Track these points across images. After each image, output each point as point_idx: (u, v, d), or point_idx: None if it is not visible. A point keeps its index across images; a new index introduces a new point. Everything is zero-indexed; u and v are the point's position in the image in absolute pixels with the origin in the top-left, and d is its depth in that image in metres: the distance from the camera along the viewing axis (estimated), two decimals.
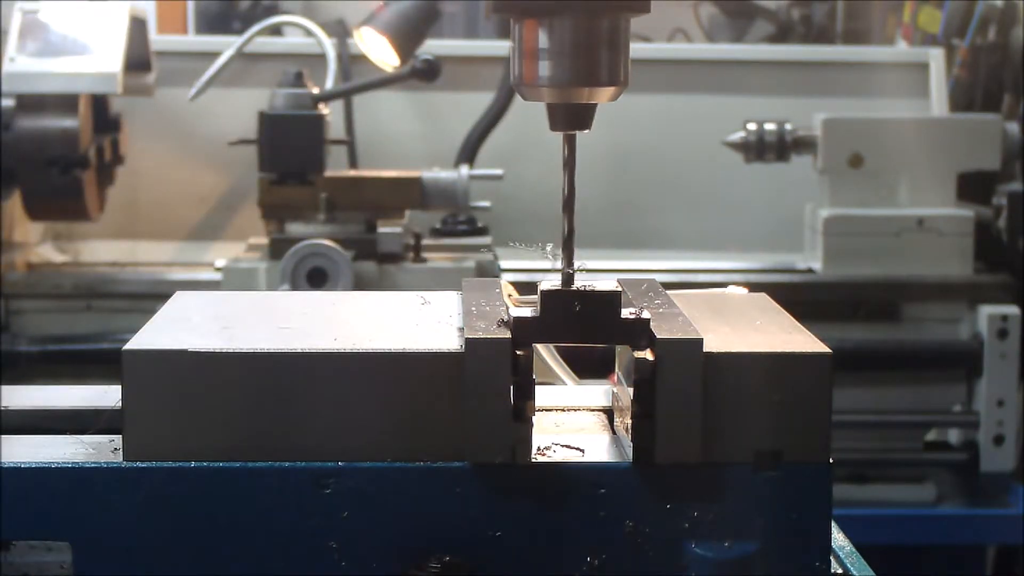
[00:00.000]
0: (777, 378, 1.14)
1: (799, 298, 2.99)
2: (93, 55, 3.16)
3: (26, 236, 3.45)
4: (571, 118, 1.21)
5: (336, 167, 3.28)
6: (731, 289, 1.44)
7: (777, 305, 1.32)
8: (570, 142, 1.22)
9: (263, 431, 1.14)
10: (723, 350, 1.14)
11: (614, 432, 1.26)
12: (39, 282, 3.31)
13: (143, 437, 1.14)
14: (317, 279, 2.91)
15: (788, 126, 3.36)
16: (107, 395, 1.28)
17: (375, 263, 3.01)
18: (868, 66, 3.83)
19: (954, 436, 3.37)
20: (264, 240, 3.11)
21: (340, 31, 3.70)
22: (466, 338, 1.13)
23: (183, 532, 1.14)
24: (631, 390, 1.15)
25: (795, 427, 1.14)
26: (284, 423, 1.14)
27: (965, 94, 3.93)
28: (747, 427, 1.13)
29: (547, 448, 1.19)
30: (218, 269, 3.08)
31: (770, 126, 3.35)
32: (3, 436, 1.24)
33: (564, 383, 1.63)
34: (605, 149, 3.50)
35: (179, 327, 1.24)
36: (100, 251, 3.58)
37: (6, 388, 1.39)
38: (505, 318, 1.17)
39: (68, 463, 1.15)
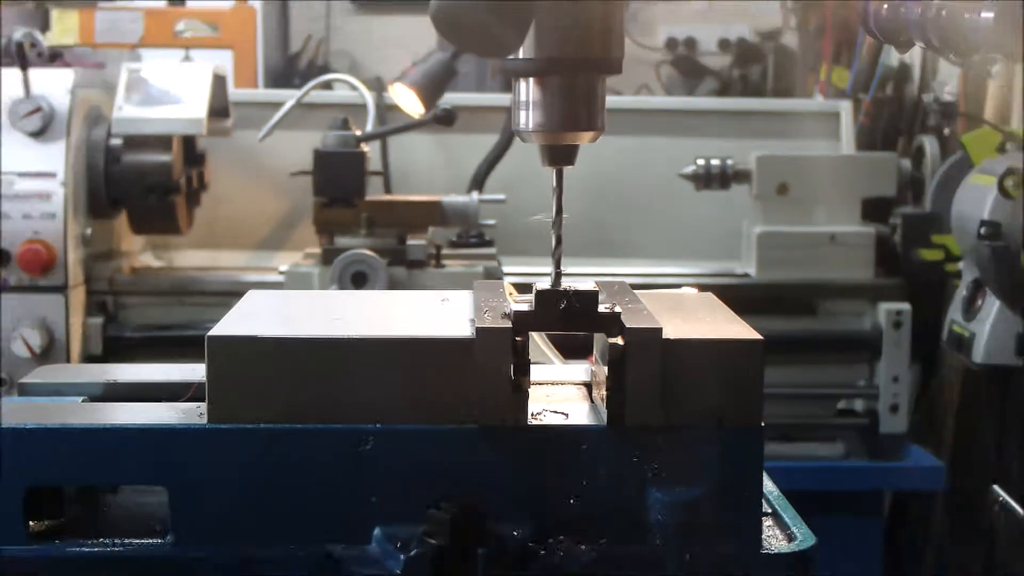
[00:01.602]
0: (721, 359, 1.14)
1: (738, 296, 2.97)
2: (184, 104, 3.17)
3: (131, 246, 3.46)
4: (559, 156, 1.21)
5: (374, 193, 3.29)
6: (684, 290, 1.45)
7: (721, 302, 1.32)
8: (558, 174, 1.22)
9: (316, 400, 1.14)
10: (678, 337, 1.14)
11: (592, 401, 1.27)
12: (141, 283, 3.32)
13: (223, 404, 1.14)
14: (359, 281, 2.92)
15: (729, 161, 3.36)
16: (195, 372, 1.29)
17: (405, 268, 3.02)
18: (792, 114, 3.84)
19: (859, 405, 3.38)
20: (318, 250, 3.12)
21: (378, 86, 3.70)
22: (476, 327, 1.14)
23: (253, 478, 1.14)
24: (606, 368, 1.16)
25: (735, 398, 1.14)
26: (333, 394, 1.14)
27: (868, 136, 3.94)
28: (697, 397, 1.14)
29: (539, 413, 1.20)
30: (282, 273, 3.08)
31: (715, 161, 3.36)
32: (115, 403, 1.24)
33: (553, 363, 1.63)
34: (586, 179, 3.51)
35: (251, 318, 1.25)
36: (189, 258, 3.59)
37: (116, 366, 1.40)
38: (507, 312, 1.17)
39: (165, 425, 1.15)
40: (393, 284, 2.94)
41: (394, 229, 3.13)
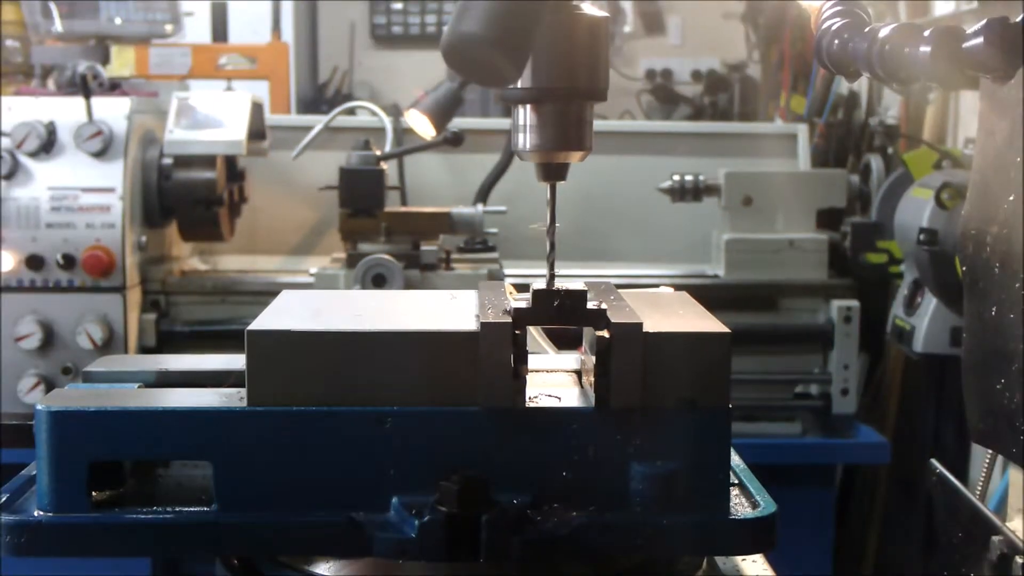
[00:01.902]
0: (693, 349, 1.14)
1: (708, 295, 2.98)
2: (226, 128, 3.17)
3: (180, 252, 3.46)
4: (553, 173, 1.21)
5: (392, 205, 3.29)
6: (662, 289, 1.44)
7: (693, 300, 1.32)
8: (552, 189, 1.22)
9: (341, 385, 1.14)
10: (657, 330, 1.14)
11: (582, 386, 1.27)
12: (189, 283, 3.32)
13: (260, 390, 1.14)
14: (379, 282, 2.92)
15: (701, 177, 3.36)
16: (236, 361, 1.29)
17: (419, 271, 3.02)
18: (756, 136, 3.84)
19: (814, 389, 3.38)
20: (343, 255, 3.12)
21: (395, 112, 3.71)
22: (481, 322, 1.13)
23: (287, 454, 1.14)
24: (594, 357, 1.15)
25: (706, 383, 1.14)
26: (356, 380, 1.14)
27: (822, 155, 3.94)
28: (673, 383, 1.13)
29: (535, 397, 1.20)
30: (311, 275, 3.09)
31: (689, 177, 3.36)
32: (166, 389, 1.24)
33: (548, 353, 1.63)
34: (577, 193, 3.51)
35: (285, 315, 1.25)
36: (231, 262, 3.59)
37: (168, 356, 1.39)
38: (508, 308, 1.17)
39: (209, 408, 1.15)
40: (408, 284, 2.94)
41: (409, 236, 3.13)
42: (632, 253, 3.62)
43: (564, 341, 1.57)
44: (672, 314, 1.23)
